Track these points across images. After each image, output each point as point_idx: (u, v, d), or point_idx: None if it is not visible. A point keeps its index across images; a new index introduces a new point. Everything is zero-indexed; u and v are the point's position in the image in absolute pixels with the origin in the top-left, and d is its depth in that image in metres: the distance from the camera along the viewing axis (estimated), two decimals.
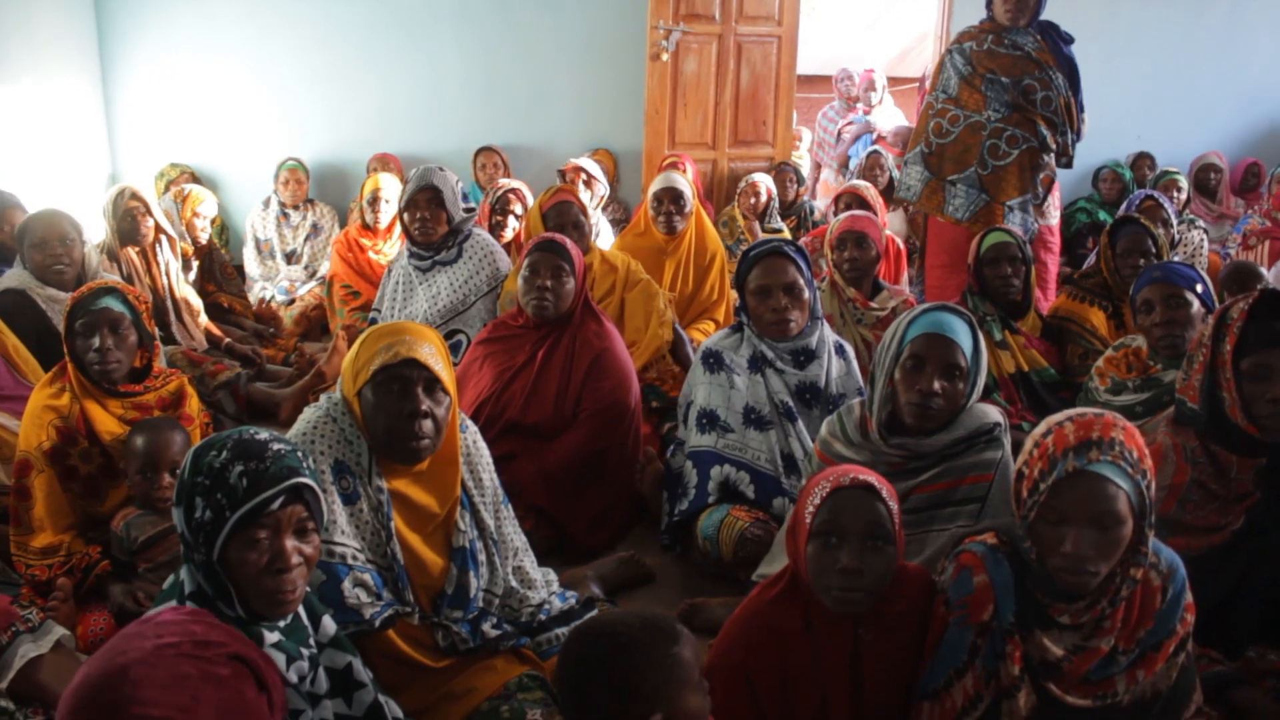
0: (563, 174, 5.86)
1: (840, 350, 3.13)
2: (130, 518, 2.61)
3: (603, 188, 5.87)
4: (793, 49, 6.57)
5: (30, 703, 2.07)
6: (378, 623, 2.02)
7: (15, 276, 3.60)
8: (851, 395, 3.04)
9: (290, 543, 1.61)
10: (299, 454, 1.65)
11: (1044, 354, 3.68)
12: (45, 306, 3.53)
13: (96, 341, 2.72)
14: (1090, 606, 1.77)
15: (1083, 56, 4.26)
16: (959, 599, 1.81)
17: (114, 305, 2.77)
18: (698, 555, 2.91)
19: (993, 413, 2.37)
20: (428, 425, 2.10)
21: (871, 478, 1.82)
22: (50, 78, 5.71)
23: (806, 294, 3.03)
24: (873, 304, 3.79)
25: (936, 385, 2.25)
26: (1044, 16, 4.21)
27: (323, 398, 2.22)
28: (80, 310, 2.75)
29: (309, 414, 2.17)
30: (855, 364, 3.15)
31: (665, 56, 6.23)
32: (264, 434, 1.65)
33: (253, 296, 5.69)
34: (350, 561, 2.04)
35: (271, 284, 5.85)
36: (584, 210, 3.99)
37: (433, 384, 2.11)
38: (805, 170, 7.63)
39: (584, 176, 5.62)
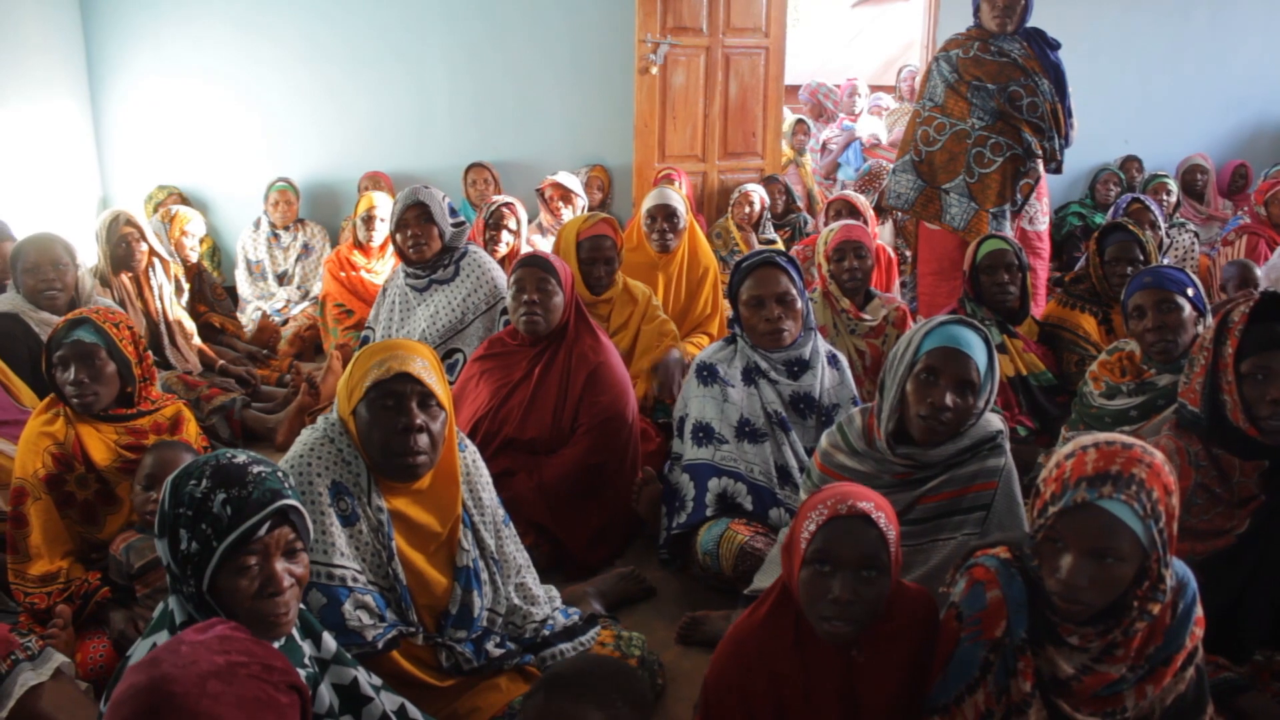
0: (540, 192, 5.86)
1: (833, 360, 3.13)
2: (130, 541, 2.60)
3: (582, 201, 5.88)
4: (780, 60, 6.58)
5: None
6: (380, 644, 2.02)
7: (8, 300, 3.57)
8: (845, 405, 3.04)
9: (280, 565, 1.60)
10: (279, 474, 1.64)
11: (1041, 358, 3.69)
12: (39, 330, 3.50)
13: (71, 374, 2.69)
14: (1102, 634, 1.73)
15: (1069, 62, 4.28)
16: (971, 614, 1.77)
17: (86, 337, 2.73)
18: (697, 569, 2.90)
19: (994, 420, 2.37)
20: (423, 440, 2.09)
21: (870, 504, 1.77)
22: (39, 101, 5.69)
23: (799, 304, 3.03)
24: (864, 314, 3.79)
25: (949, 400, 2.24)
26: (1030, 23, 4.23)
27: (320, 419, 2.21)
28: (55, 344, 2.74)
29: (306, 436, 2.17)
30: (849, 374, 3.15)
31: (654, 70, 6.24)
32: (242, 456, 1.64)
33: (246, 316, 5.68)
34: (350, 584, 2.03)
35: (266, 305, 5.83)
36: (619, 245, 3.92)
37: (427, 398, 2.10)
38: (815, 188, 7.57)
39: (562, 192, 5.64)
